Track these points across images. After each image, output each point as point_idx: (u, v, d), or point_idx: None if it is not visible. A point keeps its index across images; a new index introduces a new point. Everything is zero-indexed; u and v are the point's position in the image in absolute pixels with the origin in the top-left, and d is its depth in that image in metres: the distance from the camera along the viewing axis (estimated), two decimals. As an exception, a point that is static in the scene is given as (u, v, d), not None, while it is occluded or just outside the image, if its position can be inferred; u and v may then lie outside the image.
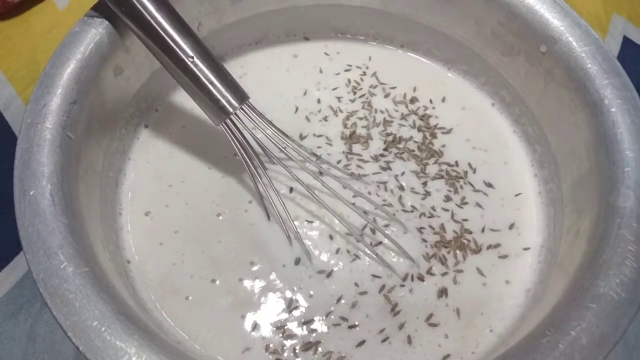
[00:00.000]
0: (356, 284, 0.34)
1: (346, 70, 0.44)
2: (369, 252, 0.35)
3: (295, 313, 0.33)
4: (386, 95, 0.43)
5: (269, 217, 0.36)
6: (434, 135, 0.41)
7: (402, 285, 0.34)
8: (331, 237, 0.36)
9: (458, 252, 0.36)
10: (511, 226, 0.37)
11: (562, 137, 0.36)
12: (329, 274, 0.35)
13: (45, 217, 0.27)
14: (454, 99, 0.43)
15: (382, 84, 0.43)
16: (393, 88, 0.43)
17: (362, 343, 0.33)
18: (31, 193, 0.28)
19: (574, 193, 0.34)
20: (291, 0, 0.42)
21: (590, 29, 0.35)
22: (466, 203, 0.38)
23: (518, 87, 0.40)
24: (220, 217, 0.36)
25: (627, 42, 0.53)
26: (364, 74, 0.44)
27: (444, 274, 0.35)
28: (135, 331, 0.25)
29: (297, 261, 0.35)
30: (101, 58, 0.33)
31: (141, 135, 0.39)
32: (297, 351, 0.32)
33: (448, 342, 0.33)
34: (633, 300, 0.26)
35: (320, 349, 0.32)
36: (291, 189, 0.38)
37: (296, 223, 0.36)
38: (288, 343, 0.32)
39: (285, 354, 0.32)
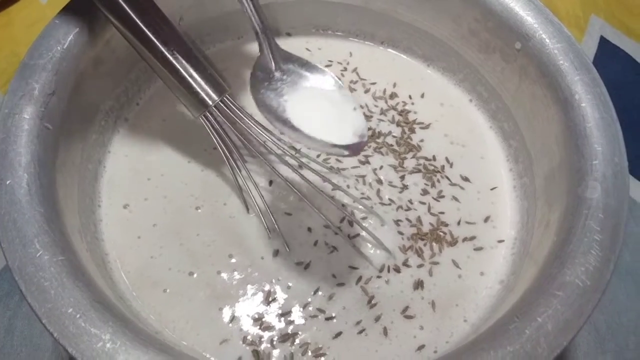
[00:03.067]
0: (334, 275, 0.35)
1: (327, 66, 0.44)
2: (346, 244, 0.36)
3: (273, 305, 0.34)
4: (366, 91, 0.43)
5: (248, 210, 0.37)
6: (412, 130, 0.41)
7: (379, 277, 0.35)
8: (309, 230, 0.36)
9: (434, 244, 0.37)
10: (486, 219, 0.38)
11: (535, 132, 0.37)
12: (307, 266, 0.35)
13: (21, 206, 0.27)
14: (433, 95, 0.43)
15: (362, 79, 0.44)
16: (373, 84, 0.44)
17: (338, 334, 0.33)
18: (7, 182, 0.28)
19: (545, 186, 0.35)
20: (273, -5, 0.43)
21: (563, 27, 0.36)
22: (443, 196, 0.39)
23: (494, 83, 0.41)
24: (199, 211, 0.37)
25: (603, 41, 0.54)
26: (345, 69, 0.44)
27: (420, 265, 0.36)
28: (110, 318, 0.25)
29: (276, 253, 0.35)
30: (81, 50, 0.33)
31: (121, 128, 0.39)
32: (274, 342, 0.33)
33: (423, 333, 0.33)
34: (597, 288, 0.27)
35: (297, 340, 0.33)
36: (270, 182, 0.38)
37: (275, 215, 0.36)
38: (266, 334, 0.33)
39: (263, 345, 0.32)
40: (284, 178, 0.35)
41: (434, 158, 0.40)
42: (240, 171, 0.36)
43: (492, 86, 0.41)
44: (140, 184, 0.37)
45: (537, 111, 0.37)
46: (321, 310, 0.34)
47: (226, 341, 0.32)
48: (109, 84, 0.37)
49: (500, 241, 0.37)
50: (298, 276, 0.35)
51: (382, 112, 0.42)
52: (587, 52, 0.38)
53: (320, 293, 0.34)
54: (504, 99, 0.40)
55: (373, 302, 0.34)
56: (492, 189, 0.39)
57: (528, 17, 0.36)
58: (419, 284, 0.35)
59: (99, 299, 0.26)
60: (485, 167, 0.40)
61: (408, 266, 0.36)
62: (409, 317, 0.34)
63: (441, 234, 0.37)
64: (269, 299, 0.34)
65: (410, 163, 0.40)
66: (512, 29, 0.37)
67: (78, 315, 0.25)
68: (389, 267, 0.35)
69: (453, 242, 0.37)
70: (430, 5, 0.41)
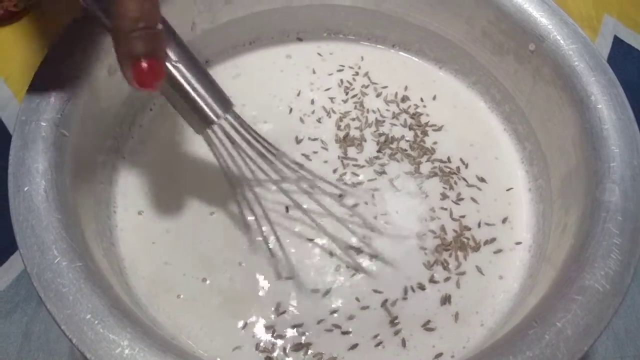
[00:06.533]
0: (357, 299, 0.34)
1: (339, 71, 0.44)
2: (364, 266, 0.35)
3: (285, 316, 0.33)
4: (378, 95, 0.43)
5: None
6: (425, 133, 0.41)
7: (405, 299, 0.34)
8: (331, 254, 0.35)
9: (459, 253, 0.36)
10: (504, 220, 0.38)
11: (550, 134, 0.37)
12: (326, 293, 0.34)
13: (39, 212, 0.28)
14: (445, 98, 0.43)
15: (373, 83, 0.44)
16: (384, 87, 0.43)
17: (354, 346, 0.32)
18: (25, 189, 0.28)
19: (562, 189, 0.35)
20: (283, -1, 0.43)
21: (578, 27, 0.36)
22: (462, 199, 0.38)
23: (508, 85, 0.40)
24: (212, 217, 0.37)
25: (617, 41, 0.54)
26: (356, 74, 0.44)
27: (447, 279, 0.35)
28: (128, 324, 0.25)
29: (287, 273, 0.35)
30: (95, 57, 0.33)
31: (135, 134, 0.40)
32: (287, 351, 0.32)
33: (442, 342, 0.33)
34: (618, 292, 0.26)
35: (310, 350, 0.32)
36: (287, 208, 0.37)
37: (287, 241, 0.35)
38: (279, 342, 0.33)
39: (276, 353, 0.32)
40: (298, 203, 0.35)
41: (449, 159, 0.40)
42: (245, 197, 0.35)
43: (506, 88, 0.41)
44: (153, 190, 0.37)
45: (552, 113, 0.36)
46: (337, 326, 0.33)
47: (239, 348, 0.32)
48: (123, 90, 0.37)
49: (518, 243, 0.37)
50: (314, 301, 0.34)
51: (394, 116, 0.42)
52: (600, 52, 0.37)
53: (336, 315, 0.33)
54: (517, 101, 0.40)
55: (396, 321, 0.33)
56: (508, 190, 0.39)
57: (542, 18, 0.36)
58: (446, 299, 0.34)
59: (117, 305, 0.26)
60: (500, 168, 0.40)
61: (435, 282, 0.35)
62: (430, 330, 0.33)
63: (465, 239, 0.36)
64: (279, 310, 0.33)
65: (425, 167, 0.39)
66: (526, 30, 0.37)
67: (96, 321, 0.25)
68: (412, 287, 0.34)
69: (476, 247, 0.36)
70: (443, 7, 0.41)
